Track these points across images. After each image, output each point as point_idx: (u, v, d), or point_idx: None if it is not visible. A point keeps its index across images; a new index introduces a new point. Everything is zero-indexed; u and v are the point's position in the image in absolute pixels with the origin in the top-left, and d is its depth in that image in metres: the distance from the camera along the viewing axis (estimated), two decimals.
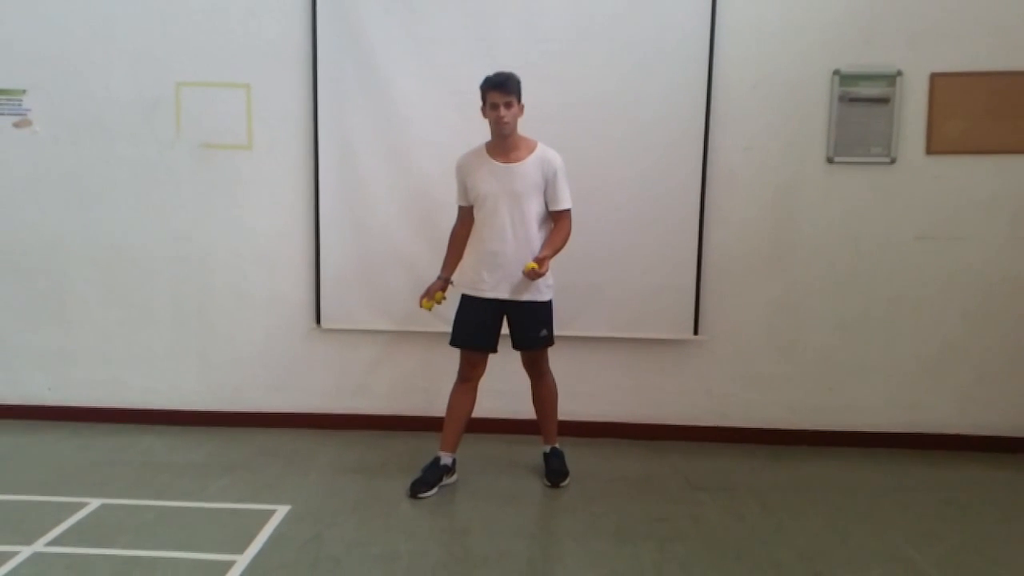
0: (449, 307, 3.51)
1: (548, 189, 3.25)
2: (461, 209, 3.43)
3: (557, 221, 3.29)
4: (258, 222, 4.06)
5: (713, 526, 3.08)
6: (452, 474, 3.42)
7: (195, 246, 4.09)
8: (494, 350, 3.38)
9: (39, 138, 4.05)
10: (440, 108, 3.86)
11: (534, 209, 3.24)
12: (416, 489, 3.28)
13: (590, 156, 3.69)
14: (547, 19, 3.82)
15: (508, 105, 3.16)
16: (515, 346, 3.41)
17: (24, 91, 4.03)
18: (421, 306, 3.41)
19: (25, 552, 2.73)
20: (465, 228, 3.42)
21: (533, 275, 3.12)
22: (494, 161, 3.26)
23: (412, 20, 3.84)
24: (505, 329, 3.39)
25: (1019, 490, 3.52)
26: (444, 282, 3.43)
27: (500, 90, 3.15)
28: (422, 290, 3.42)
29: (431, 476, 3.32)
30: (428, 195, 3.91)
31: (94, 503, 3.15)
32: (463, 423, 3.40)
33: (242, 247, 4.08)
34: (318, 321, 4.08)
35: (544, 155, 3.25)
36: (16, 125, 4.05)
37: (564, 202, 3.27)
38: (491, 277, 3.28)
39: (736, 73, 3.84)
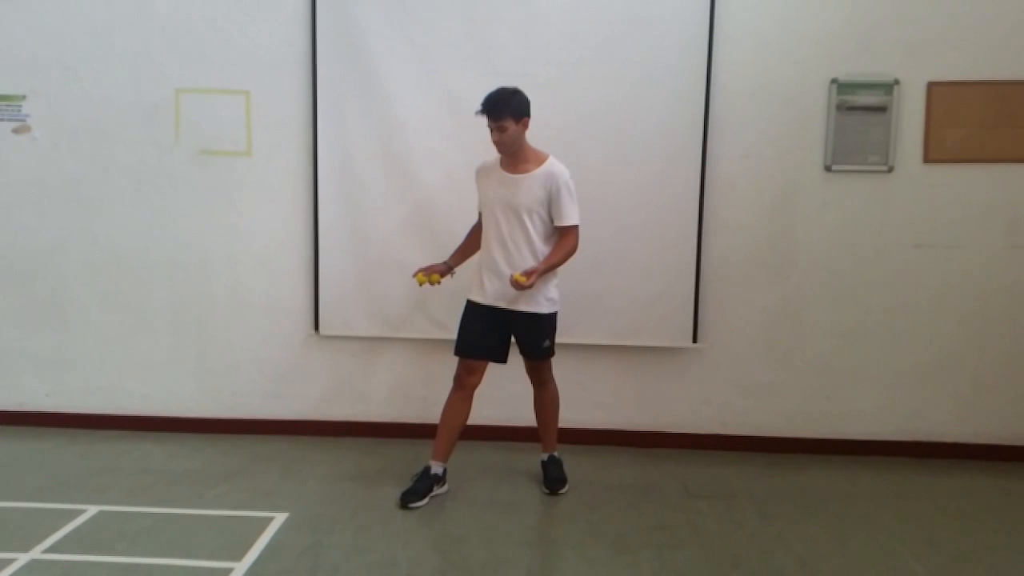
0: (448, 315, 3.51)
1: (552, 204, 3.22)
2: (480, 214, 3.44)
3: (561, 236, 3.27)
4: (257, 228, 4.06)
5: (712, 534, 3.08)
6: (443, 484, 3.39)
7: (194, 252, 4.08)
8: (497, 360, 3.38)
9: (38, 144, 4.05)
10: (439, 115, 3.86)
11: (537, 222, 3.24)
12: (407, 499, 3.25)
13: (589, 164, 3.69)
14: (547, 27, 3.83)
15: (501, 129, 3.14)
16: (521, 352, 3.43)
17: (24, 97, 4.03)
18: (414, 276, 3.41)
19: (22, 559, 2.73)
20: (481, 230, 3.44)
21: (517, 287, 3.10)
22: (503, 171, 3.28)
23: (412, 27, 3.85)
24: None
25: (1017, 498, 3.53)
26: (446, 267, 3.47)
27: (489, 116, 3.14)
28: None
29: (422, 486, 3.30)
30: (427, 202, 3.92)
31: (92, 510, 3.14)
32: (457, 432, 3.37)
33: (241, 253, 4.08)
34: (316, 328, 4.07)
35: (550, 169, 3.23)
36: (16, 131, 4.05)
37: (568, 218, 3.24)
38: (491, 285, 3.29)
39: (734, 82, 3.85)
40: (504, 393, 3.76)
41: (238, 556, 2.78)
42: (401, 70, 3.87)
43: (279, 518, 3.11)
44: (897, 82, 3.82)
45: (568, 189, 3.23)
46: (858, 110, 3.84)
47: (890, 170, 3.87)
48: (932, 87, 3.82)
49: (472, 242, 3.48)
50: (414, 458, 3.67)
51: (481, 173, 3.37)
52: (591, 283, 3.83)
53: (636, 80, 3.82)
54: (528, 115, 3.21)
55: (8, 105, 4.03)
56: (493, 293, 3.29)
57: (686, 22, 3.79)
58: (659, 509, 3.30)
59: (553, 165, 3.25)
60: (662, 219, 3.88)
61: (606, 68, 3.82)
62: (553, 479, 3.48)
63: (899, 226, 3.90)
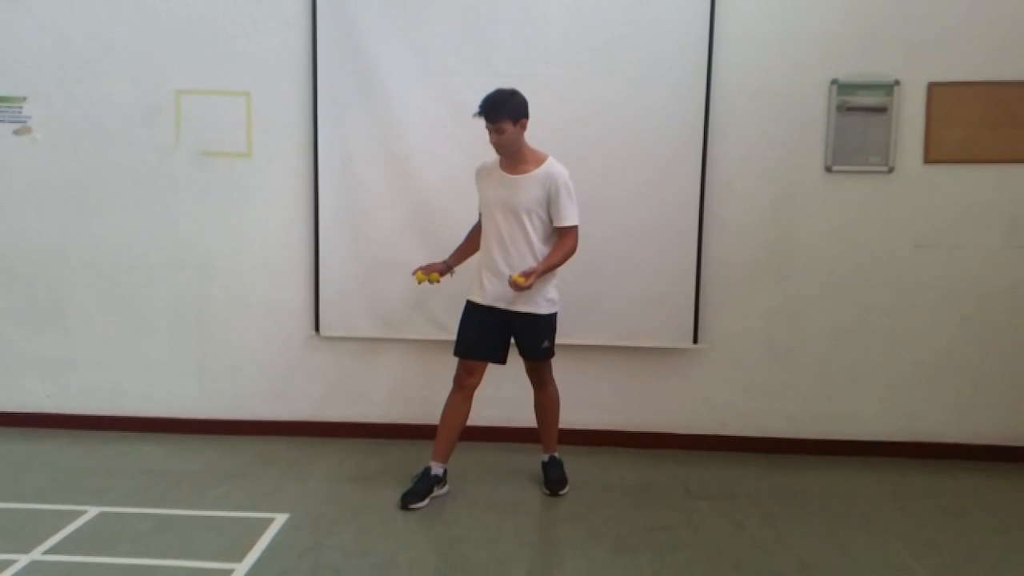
0: (448, 315, 3.51)
1: (551, 205, 3.22)
2: (480, 214, 3.44)
3: (560, 237, 3.27)
4: (258, 229, 4.06)
5: (712, 535, 3.08)
6: (443, 485, 3.38)
7: (194, 253, 4.08)
8: (497, 361, 3.38)
9: (39, 145, 4.05)
10: (439, 117, 3.86)
11: (536, 222, 3.23)
12: (407, 500, 3.25)
13: (589, 165, 3.69)
14: (547, 29, 3.83)
15: (499, 131, 3.14)
16: (520, 354, 3.43)
17: (24, 98, 4.03)
18: (413, 274, 3.43)
19: (23, 560, 2.73)
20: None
21: (515, 287, 3.10)
22: (503, 172, 3.27)
23: (412, 29, 3.85)
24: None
25: (1018, 499, 3.53)
26: (446, 266, 3.48)
27: (487, 118, 3.15)
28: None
29: (422, 487, 3.30)
30: (427, 203, 3.92)
31: (92, 511, 3.14)
32: (456, 433, 3.37)
33: (241, 255, 4.08)
34: (317, 329, 4.07)
35: (549, 170, 3.22)
36: (16, 132, 4.05)
37: (567, 219, 3.24)
38: (491, 286, 3.29)
39: (735, 83, 3.85)
40: (504, 394, 3.76)
41: (239, 557, 2.78)
42: (401, 71, 3.87)
43: (280, 519, 3.11)
44: (897, 83, 3.82)
45: (567, 190, 3.23)
46: (858, 111, 3.84)
47: (890, 171, 3.87)
48: (932, 87, 3.82)
49: (472, 242, 3.49)
50: (414, 459, 3.66)
51: (481, 174, 3.37)
52: (591, 284, 3.83)
53: (636, 81, 3.82)
54: (526, 116, 3.20)
55: (9, 107, 4.03)
56: (492, 294, 3.29)
57: (686, 23, 3.79)
58: (660, 510, 3.30)
59: (552, 166, 3.25)
60: (662, 220, 3.88)
61: (606, 69, 3.82)
62: (553, 480, 3.48)
63: (899, 226, 3.90)
